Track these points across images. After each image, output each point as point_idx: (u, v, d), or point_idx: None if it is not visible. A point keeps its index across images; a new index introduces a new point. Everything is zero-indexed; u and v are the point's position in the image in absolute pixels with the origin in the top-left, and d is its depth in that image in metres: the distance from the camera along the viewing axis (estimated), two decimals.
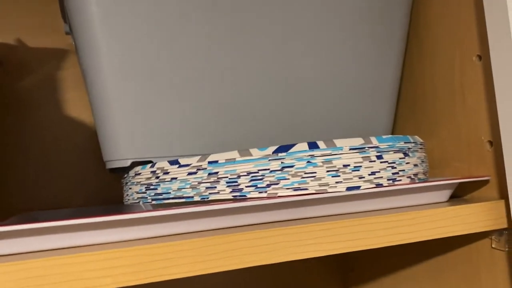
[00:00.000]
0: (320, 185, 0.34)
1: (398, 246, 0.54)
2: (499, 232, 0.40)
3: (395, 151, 0.37)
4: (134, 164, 0.40)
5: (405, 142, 0.38)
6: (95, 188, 0.57)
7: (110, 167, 0.41)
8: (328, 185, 0.35)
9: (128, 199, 0.41)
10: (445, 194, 0.41)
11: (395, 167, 0.37)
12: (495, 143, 0.41)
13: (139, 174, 0.39)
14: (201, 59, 0.41)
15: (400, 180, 0.37)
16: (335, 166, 0.35)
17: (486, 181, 0.41)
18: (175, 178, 0.36)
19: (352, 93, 0.47)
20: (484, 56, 0.41)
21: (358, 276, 0.63)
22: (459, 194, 0.44)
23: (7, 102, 0.55)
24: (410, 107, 0.51)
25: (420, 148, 0.41)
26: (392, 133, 0.54)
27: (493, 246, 0.41)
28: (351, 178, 0.35)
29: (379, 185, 0.36)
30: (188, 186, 0.35)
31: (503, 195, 0.39)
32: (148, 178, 0.38)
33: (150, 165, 0.38)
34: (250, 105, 0.43)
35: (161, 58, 0.40)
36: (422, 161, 0.40)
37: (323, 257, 0.67)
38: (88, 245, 0.31)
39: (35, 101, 0.56)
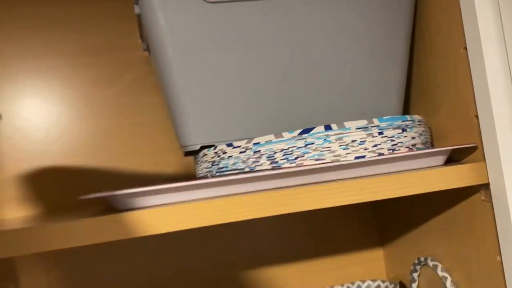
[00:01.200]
0: (334, 156, 0.47)
1: (418, 206, 0.65)
2: (485, 187, 0.51)
3: (394, 128, 0.49)
4: (202, 148, 0.55)
5: (402, 121, 0.50)
6: (174, 168, 0.73)
7: (185, 151, 0.56)
8: (340, 156, 0.47)
9: (200, 173, 0.56)
10: (440, 159, 0.52)
11: (394, 140, 0.49)
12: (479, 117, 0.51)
13: (206, 154, 0.54)
14: (250, 66, 0.55)
15: (399, 149, 0.49)
16: (345, 142, 0.47)
17: (475, 147, 0.52)
18: (231, 156, 0.50)
19: (367, 82, 0.58)
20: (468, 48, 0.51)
21: (391, 235, 0.75)
22: (458, 159, 0.55)
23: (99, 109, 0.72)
24: (420, 92, 0.62)
25: (419, 124, 0.52)
26: (406, 114, 0.65)
27: (482, 199, 0.52)
28: (358, 150, 0.48)
29: (380, 154, 0.48)
30: (240, 161, 0.50)
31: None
32: (212, 157, 0.52)
33: (213, 148, 0.53)
34: (284, 97, 0.56)
35: (220, 71, 0.54)
36: (421, 134, 0.52)
37: (363, 221, 0.79)
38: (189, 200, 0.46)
39: (121, 105, 0.72)
